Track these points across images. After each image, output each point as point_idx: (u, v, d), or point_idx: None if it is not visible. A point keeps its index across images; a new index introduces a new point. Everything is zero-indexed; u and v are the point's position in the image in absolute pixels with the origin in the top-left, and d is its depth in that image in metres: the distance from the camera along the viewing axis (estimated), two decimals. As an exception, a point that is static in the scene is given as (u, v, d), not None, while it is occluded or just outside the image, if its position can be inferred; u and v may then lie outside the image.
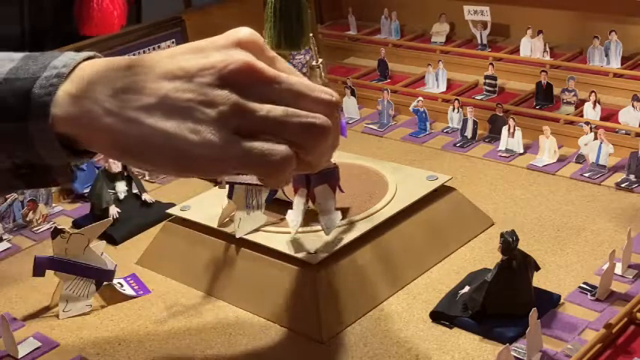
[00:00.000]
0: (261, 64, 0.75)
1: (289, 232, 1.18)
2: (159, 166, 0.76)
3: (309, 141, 0.75)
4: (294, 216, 1.16)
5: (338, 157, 1.18)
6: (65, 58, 0.77)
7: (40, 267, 1.19)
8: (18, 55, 0.79)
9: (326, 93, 0.79)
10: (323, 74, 1.19)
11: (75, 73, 0.76)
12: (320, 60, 1.18)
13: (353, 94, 1.86)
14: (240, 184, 1.20)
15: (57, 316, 1.21)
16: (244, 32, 0.78)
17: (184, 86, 0.72)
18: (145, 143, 0.72)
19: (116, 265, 1.23)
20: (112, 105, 0.73)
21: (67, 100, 0.74)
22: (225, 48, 0.75)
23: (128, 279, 1.28)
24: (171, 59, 0.75)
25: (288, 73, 0.80)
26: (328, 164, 1.15)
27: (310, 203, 1.15)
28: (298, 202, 1.15)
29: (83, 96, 0.74)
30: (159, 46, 2.00)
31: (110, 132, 0.73)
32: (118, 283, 1.25)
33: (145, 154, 0.73)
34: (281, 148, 0.73)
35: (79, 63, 0.77)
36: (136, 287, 1.26)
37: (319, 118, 0.75)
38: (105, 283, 1.23)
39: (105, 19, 1.56)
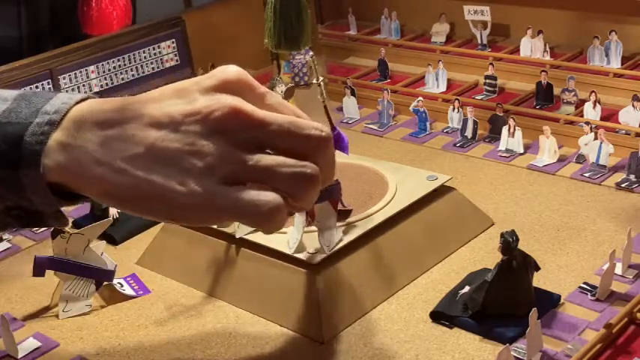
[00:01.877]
0: (248, 108, 0.73)
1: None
2: (150, 215, 0.76)
3: (299, 191, 0.74)
4: (294, 234, 1.16)
5: (338, 157, 1.17)
6: (58, 102, 0.76)
7: (40, 267, 1.19)
8: (11, 95, 0.79)
9: (316, 129, 0.76)
10: (324, 92, 1.19)
11: (67, 118, 0.75)
12: (321, 78, 1.18)
13: (353, 94, 1.86)
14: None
15: (57, 316, 1.21)
16: (231, 71, 0.76)
17: (170, 136, 0.71)
18: (135, 193, 0.72)
19: (116, 265, 1.23)
20: (102, 155, 0.73)
21: (57, 149, 0.74)
22: (212, 90, 0.74)
23: (128, 279, 1.28)
24: (158, 104, 0.74)
25: (278, 109, 0.78)
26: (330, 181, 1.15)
27: (311, 219, 1.14)
28: (299, 220, 1.15)
29: (73, 144, 0.74)
30: (159, 46, 2.00)
31: (100, 181, 0.73)
32: (118, 283, 1.25)
33: (135, 203, 0.73)
34: (270, 198, 0.72)
35: (72, 107, 0.76)
36: (135, 287, 1.26)
37: (309, 167, 0.74)
38: (105, 283, 1.23)
39: (103, 19, 1.56)
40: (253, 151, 0.72)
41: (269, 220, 0.72)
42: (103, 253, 1.22)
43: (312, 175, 0.74)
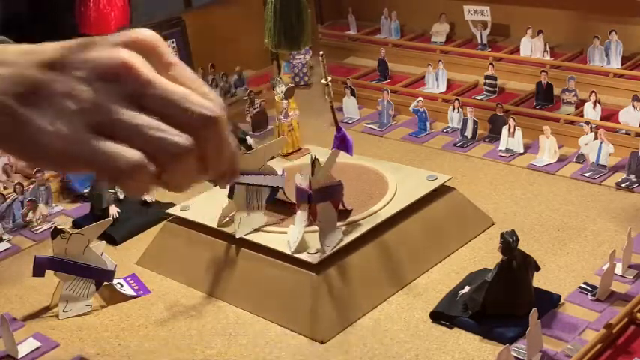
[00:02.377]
0: (140, 65, 0.72)
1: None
2: (18, 153, 0.75)
3: (164, 158, 0.71)
4: (294, 233, 1.16)
5: (339, 158, 1.18)
6: None
7: (40, 267, 1.19)
8: None
9: (206, 108, 0.76)
10: (331, 92, 1.19)
11: None
12: (329, 78, 1.17)
13: (353, 94, 1.86)
14: (240, 184, 1.20)
15: (57, 316, 1.21)
16: (144, 33, 0.75)
17: (58, 77, 0.71)
18: (9, 129, 0.71)
19: (116, 265, 1.23)
20: None
21: None
22: (117, 45, 0.72)
23: (128, 279, 1.28)
24: (60, 49, 0.73)
25: (182, 81, 0.75)
26: (331, 181, 1.15)
27: (312, 219, 1.14)
28: (300, 219, 1.15)
29: None
30: (159, 46, 2.00)
31: None
32: (118, 283, 1.25)
33: (5, 139, 0.71)
34: (130, 154, 0.69)
35: None
36: (136, 287, 1.26)
37: (182, 138, 0.71)
38: (105, 283, 1.23)
39: (101, 19, 1.56)
40: (131, 108, 0.71)
41: (125, 177, 0.69)
42: (103, 253, 1.23)
43: (184, 146, 0.70)
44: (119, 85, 0.71)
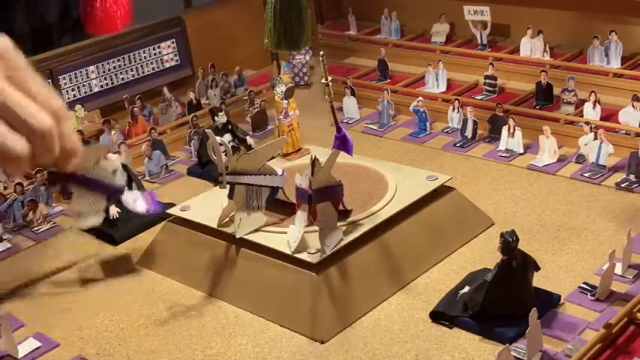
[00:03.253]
0: None
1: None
2: None
3: (3, 159, 0.74)
4: (294, 233, 1.16)
5: (339, 158, 1.18)
6: None
7: (53, 179, 1.22)
8: None
9: (39, 120, 0.82)
10: (332, 92, 1.19)
11: None
12: (330, 78, 1.17)
13: (353, 94, 1.86)
14: (240, 184, 1.20)
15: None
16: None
17: None
18: None
19: (125, 185, 1.23)
20: None
21: None
22: None
23: (143, 193, 1.26)
24: None
25: (37, 95, 0.84)
26: (331, 181, 1.15)
27: (312, 219, 1.14)
28: (300, 219, 1.15)
29: None
30: (159, 46, 2.00)
31: None
32: (132, 198, 1.24)
33: None
34: None
35: None
36: (149, 203, 1.23)
37: (20, 144, 0.74)
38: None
39: (108, 19, 1.55)
40: None
41: None
42: (117, 172, 1.22)
43: (21, 152, 0.75)
44: None
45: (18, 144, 0.77)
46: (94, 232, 1.45)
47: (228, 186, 1.21)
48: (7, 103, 0.77)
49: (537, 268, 1.11)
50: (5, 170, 0.81)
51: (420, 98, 1.75)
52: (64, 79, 1.83)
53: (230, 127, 1.67)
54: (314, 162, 1.12)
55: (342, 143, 1.19)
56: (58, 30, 1.83)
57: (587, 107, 1.62)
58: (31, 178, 1.57)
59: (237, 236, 1.21)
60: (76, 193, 1.23)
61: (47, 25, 1.57)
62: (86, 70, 1.86)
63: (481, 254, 1.27)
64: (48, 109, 0.83)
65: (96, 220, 1.23)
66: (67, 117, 0.85)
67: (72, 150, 0.88)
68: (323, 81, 1.18)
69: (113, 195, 1.20)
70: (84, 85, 1.87)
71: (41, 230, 1.48)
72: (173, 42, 2.03)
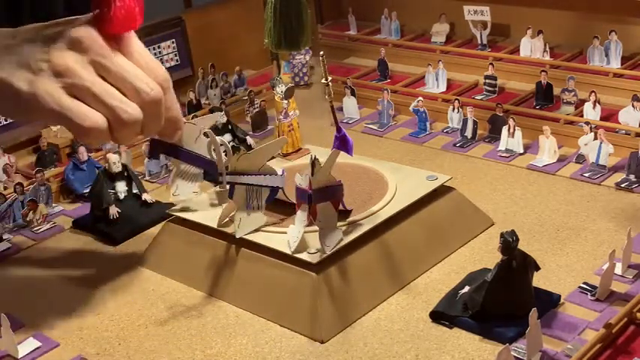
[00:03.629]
0: (99, 38, 0.86)
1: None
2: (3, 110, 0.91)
3: (117, 123, 0.85)
4: (294, 233, 1.15)
5: (339, 158, 1.18)
6: None
7: (155, 149, 1.27)
8: None
9: (150, 88, 0.88)
10: (332, 92, 1.19)
11: None
12: (330, 78, 1.17)
13: (353, 94, 1.86)
14: (240, 184, 1.20)
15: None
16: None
17: (37, 48, 0.85)
18: None
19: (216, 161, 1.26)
20: None
21: None
22: (82, 23, 0.87)
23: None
24: (36, 27, 0.88)
25: (135, 55, 0.90)
26: (331, 181, 1.15)
27: (312, 219, 1.14)
28: (300, 219, 1.15)
29: None
30: (159, 46, 2.00)
31: None
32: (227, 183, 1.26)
33: None
34: (94, 118, 0.84)
35: None
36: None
37: (130, 109, 0.85)
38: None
39: (129, 15, 1.53)
40: (94, 75, 0.85)
41: (88, 134, 0.84)
42: (217, 149, 1.25)
43: (129, 116, 0.85)
44: (84, 53, 0.85)
45: (134, 109, 0.86)
46: (94, 232, 1.45)
47: (228, 186, 1.21)
48: (120, 72, 0.86)
49: (537, 268, 1.11)
50: (117, 136, 0.87)
51: (420, 98, 1.75)
52: (64, 79, 1.82)
53: (230, 127, 1.67)
54: (314, 162, 1.12)
55: (342, 143, 1.19)
56: None
57: (587, 107, 1.63)
58: (30, 178, 1.57)
59: (237, 236, 1.20)
60: (174, 166, 1.28)
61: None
62: (86, 70, 1.85)
63: (481, 254, 1.27)
64: (156, 79, 0.89)
65: (191, 194, 1.29)
66: (171, 88, 0.91)
67: (176, 120, 0.94)
68: (323, 81, 1.18)
69: (211, 171, 1.23)
70: (84, 85, 1.86)
71: (41, 230, 1.48)
72: (173, 42, 2.03)
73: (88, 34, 0.86)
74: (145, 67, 0.90)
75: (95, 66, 0.86)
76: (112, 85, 0.87)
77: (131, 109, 0.86)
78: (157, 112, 0.90)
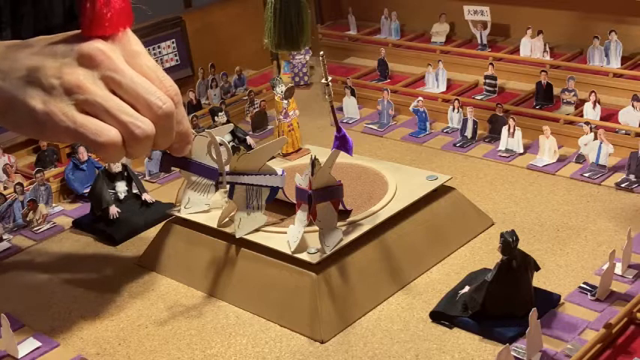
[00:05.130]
0: (111, 53, 0.87)
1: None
2: (17, 126, 0.91)
3: (129, 139, 0.86)
4: (294, 232, 1.16)
5: (339, 158, 1.18)
6: None
7: (167, 163, 1.23)
8: None
9: (162, 102, 0.88)
10: (332, 92, 1.19)
11: None
12: (330, 78, 1.18)
13: (353, 94, 1.86)
14: (240, 184, 1.20)
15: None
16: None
17: (48, 64, 0.86)
18: (8, 104, 0.87)
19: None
20: None
21: None
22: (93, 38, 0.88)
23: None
24: (45, 40, 0.88)
25: (146, 69, 0.90)
26: (331, 181, 1.15)
27: (312, 219, 1.14)
28: (300, 219, 1.15)
29: None
30: (159, 46, 2.00)
31: None
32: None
33: (6, 113, 0.88)
34: (109, 133, 0.85)
35: None
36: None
37: (142, 124, 0.86)
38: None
39: (123, 15, 1.53)
40: (105, 91, 0.86)
41: (103, 149, 0.85)
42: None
43: (142, 132, 0.86)
44: (95, 69, 0.85)
45: (146, 124, 0.86)
46: (94, 232, 1.45)
47: (228, 186, 1.21)
48: (132, 87, 0.86)
49: (537, 268, 1.11)
50: (130, 151, 0.88)
51: (420, 98, 1.75)
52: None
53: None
54: (314, 162, 1.12)
55: (342, 143, 1.19)
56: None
57: (587, 107, 1.63)
58: (30, 178, 1.57)
59: (237, 236, 1.21)
60: (185, 179, 1.26)
61: (52, 29, 1.58)
62: (86, 70, 1.85)
63: (481, 254, 1.27)
64: (167, 93, 0.89)
65: (203, 206, 1.27)
66: (181, 102, 0.92)
67: (186, 134, 0.95)
68: (323, 81, 1.18)
69: (221, 183, 1.23)
70: (84, 85, 1.86)
71: (41, 230, 1.48)
72: (173, 42, 2.03)
73: (98, 49, 0.86)
74: (155, 80, 0.90)
75: (106, 81, 0.86)
76: (123, 99, 0.87)
77: (144, 125, 0.86)
78: (168, 126, 0.90)
